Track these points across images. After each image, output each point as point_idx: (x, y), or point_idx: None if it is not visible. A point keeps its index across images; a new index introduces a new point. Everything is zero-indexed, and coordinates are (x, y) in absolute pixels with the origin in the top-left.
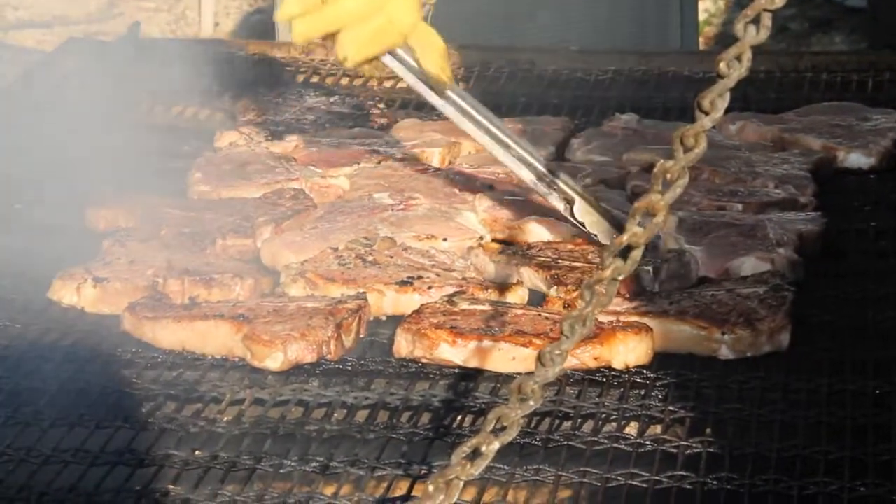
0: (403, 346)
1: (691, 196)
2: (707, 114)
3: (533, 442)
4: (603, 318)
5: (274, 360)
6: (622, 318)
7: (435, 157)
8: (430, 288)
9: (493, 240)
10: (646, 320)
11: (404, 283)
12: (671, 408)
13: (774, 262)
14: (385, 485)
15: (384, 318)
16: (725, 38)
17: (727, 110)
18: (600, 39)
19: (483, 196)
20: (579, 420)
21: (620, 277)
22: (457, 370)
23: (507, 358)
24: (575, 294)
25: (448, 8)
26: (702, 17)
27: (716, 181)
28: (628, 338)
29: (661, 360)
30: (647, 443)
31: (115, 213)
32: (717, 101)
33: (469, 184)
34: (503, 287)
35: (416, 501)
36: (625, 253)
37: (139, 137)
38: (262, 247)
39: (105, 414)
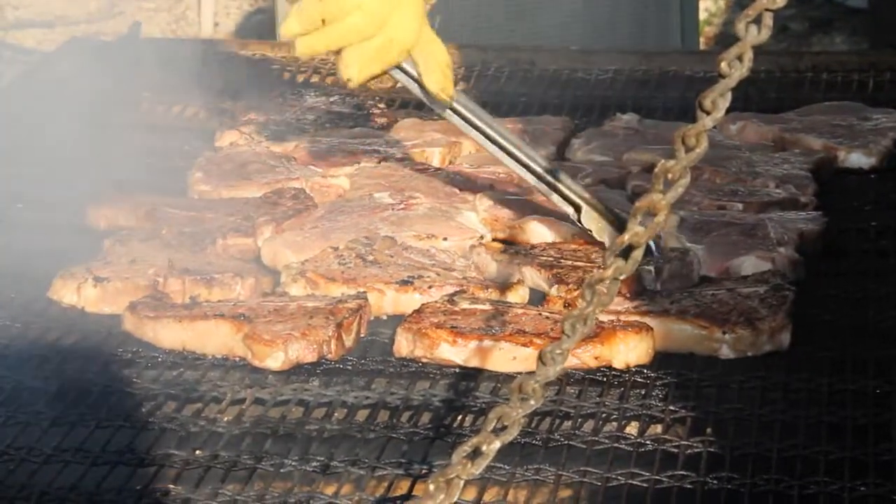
0: (404, 345)
1: (692, 196)
2: (708, 113)
3: (533, 441)
4: (603, 318)
5: (274, 360)
6: (623, 318)
7: (435, 157)
8: (430, 287)
9: (494, 239)
10: (646, 320)
11: (405, 283)
12: (672, 407)
13: (775, 261)
14: (386, 484)
15: (385, 318)
16: (726, 38)
17: (728, 110)
18: (600, 39)
19: (484, 195)
20: (580, 419)
21: (622, 277)
22: (457, 370)
23: (508, 357)
24: (576, 293)
25: (448, 8)
26: (702, 16)
27: (716, 181)
28: (629, 337)
29: (662, 360)
30: (648, 442)
31: (115, 212)
32: (718, 100)
33: (469, 183)
34: (504, 286)
35: (417, 501)
36: (626, 252)
37: (139, 137)
38: (263, 246)
39: (106, 413)
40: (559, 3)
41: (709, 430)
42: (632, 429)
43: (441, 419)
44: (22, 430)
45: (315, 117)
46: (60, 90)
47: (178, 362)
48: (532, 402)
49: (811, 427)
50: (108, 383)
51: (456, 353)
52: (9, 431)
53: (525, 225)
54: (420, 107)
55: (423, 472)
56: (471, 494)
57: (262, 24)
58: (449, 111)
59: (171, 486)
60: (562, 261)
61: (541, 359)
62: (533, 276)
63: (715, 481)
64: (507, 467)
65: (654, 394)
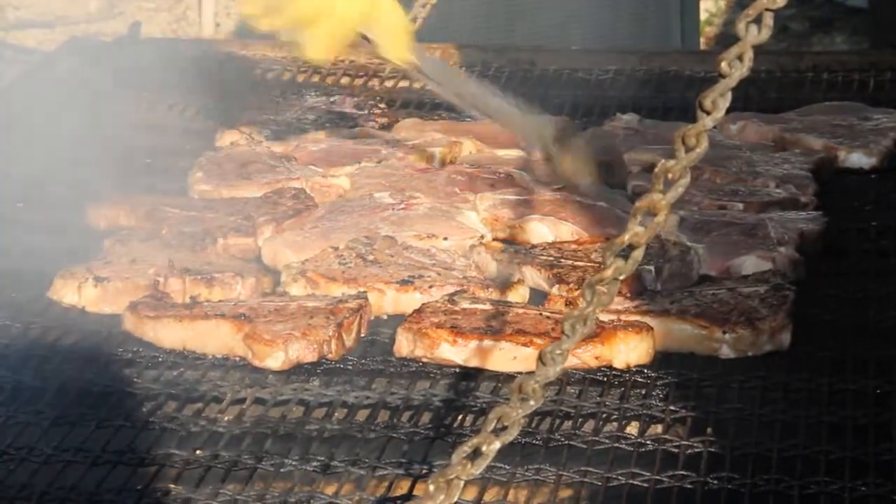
0: (404, 345)
1: (692, 196)
2: (708, 113)
3: (534, 441)
4: (604, 318)
5: (275, 360)
6: (623, 318)
7: (435, 157)
8: (430, 287)
9: (494, 239)
10: (647, 319)
11: (405, 283)
12: (672, 407)
13: (775, 261)
14: (386, 484)
15: (385, 318)
16: (726, 38)
17: (728, 110)
18: (600, 39)
19: (484, 195)
20: (580, 419)
21: (622, 277)
22: (458, 369)
23: (508, 357)
24: (577, 293)
25: (448, 7)
26: (703, 16)
27: (717, 181)
28: (629, 337)
29: (662, 360)
30: (648, 442)
31: (116, 212)
32: (718, 100)
33: (470, 183)
34: (504, 286)
35: (417, 501)
36: (626, 252)
37: (139, 137)
38: (263, 246)
39: (106, 413)
40: (559, 3)
41: (709, 430)
42: (632, 429)
43: (441, 419)
44: (22, 430)
45: (315, 117)
46: (60, 90)
47: (178, 362)
48: (532, 402)
49: (811, 427)
50: (109, 383)
51: (456, 352)
52: (9, 431)
53: (525, 225)
54: (420, 107)
55: (424, 472)
56: (471, 494)
57: None
58: (416, 73)
59: (172, 485)
60: (562, 260)
61: (541, 359)
62: (533, 276)
63: (715, 481)
64: (507, 467)
65: (654, 394)
